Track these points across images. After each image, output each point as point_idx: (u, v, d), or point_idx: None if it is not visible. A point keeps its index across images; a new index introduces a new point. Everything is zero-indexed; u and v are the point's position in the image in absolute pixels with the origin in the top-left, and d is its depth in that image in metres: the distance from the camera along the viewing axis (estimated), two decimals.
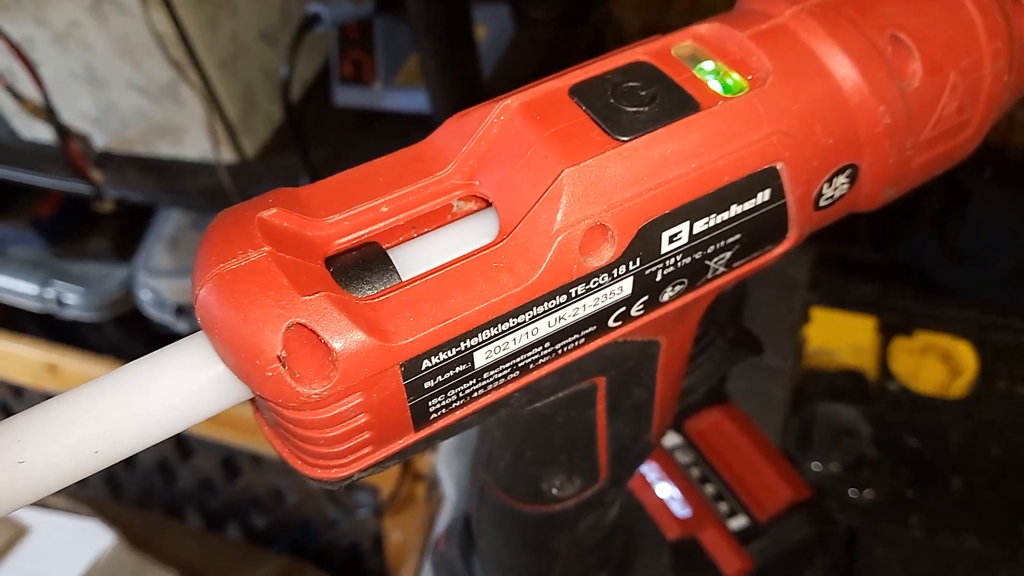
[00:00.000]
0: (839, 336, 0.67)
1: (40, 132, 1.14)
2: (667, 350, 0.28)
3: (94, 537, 1.06)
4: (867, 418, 0.63)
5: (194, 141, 1.11)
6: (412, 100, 1.11)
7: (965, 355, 0.66)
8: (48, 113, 1.01)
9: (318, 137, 1.14)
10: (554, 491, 0.31)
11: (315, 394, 0.19)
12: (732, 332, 0.34)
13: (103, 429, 0.19)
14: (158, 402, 0.19)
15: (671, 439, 0.48)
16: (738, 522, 0.45)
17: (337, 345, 0.18)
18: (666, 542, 0.44)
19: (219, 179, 1.07)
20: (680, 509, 0.45)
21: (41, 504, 1.20)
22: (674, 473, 0.46)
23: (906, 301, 0.70)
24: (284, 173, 1.09)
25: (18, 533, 1.13)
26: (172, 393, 0.20)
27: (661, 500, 0.45)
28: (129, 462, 1.24)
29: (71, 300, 1.22)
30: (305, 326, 0.18)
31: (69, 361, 1.19)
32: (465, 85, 0.95)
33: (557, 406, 0.27)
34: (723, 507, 0.46)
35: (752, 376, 0.62)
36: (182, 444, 1.19)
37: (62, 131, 1.03)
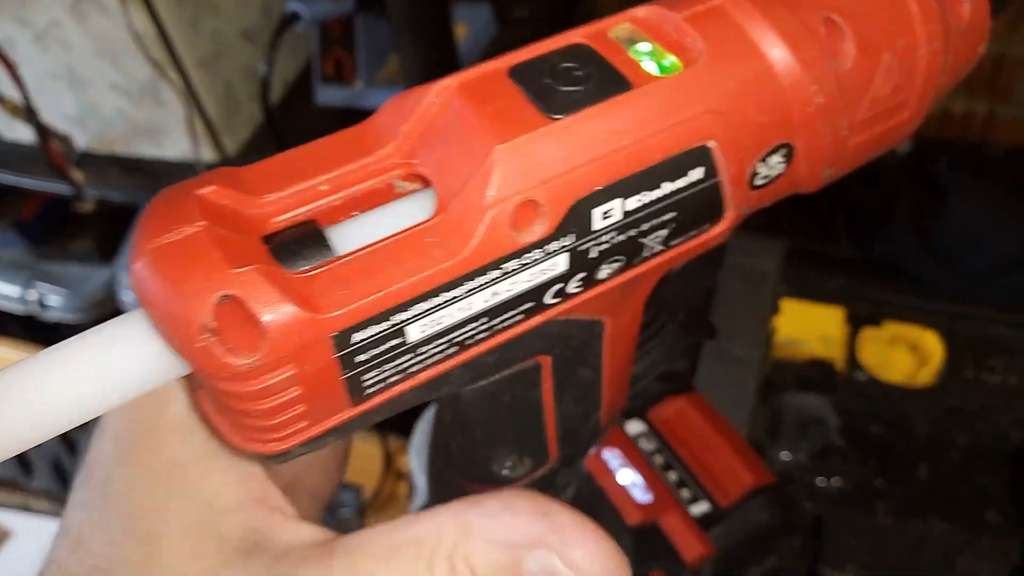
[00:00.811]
0: (808, 327, 0.68)
1: (21, 133, 1.14)
2: (612, 331, 0.29)
3: None
4: (835, 408, 0.63)
5: (175, 141, 1.11)
6: None
7: (932, 344, 0.67)
8: (29, 113, 1.01)
9: (300, 136, 1.14)
10: (505, 472, 0.31)
11: (245, 365, 0.19)
12: (683, 316, 0.35)
13: (40, 403, 0.19)
14: (95, 376, 0.20)
15: (635, 427, 0.49)
16: (700, 508, 0.46)
17: (266, 316, 0.19)
18: (626, 528, 0.44)
19: None
20: (641, 495, 0.45)
21: (23, 507, 1.20)
22: (637, 460, 0.47)
23: (874, 291, 0.71)
24: None
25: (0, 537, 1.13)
26: (109, 368, 0.20)
27: (622, 487, 0.46)
28: (73, 449, 1.23)
29: (54, 302, 1.22)
30: (236, 298, 0.19)
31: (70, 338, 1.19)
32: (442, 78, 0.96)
33: (502, 384, 0.27)
34: (685, 493, 0.46)
35: (721, 366, 0.62)
36: None
37: (43, 131, 1.03)
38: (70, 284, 1.23)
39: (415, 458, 0.64)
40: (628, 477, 0.46)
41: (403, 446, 1.04)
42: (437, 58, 0.95)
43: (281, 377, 0.20)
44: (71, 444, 1.22)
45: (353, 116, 1.10)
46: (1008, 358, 0.64)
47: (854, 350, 0.67)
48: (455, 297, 0.21)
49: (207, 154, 1.11)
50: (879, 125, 0.27)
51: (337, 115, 1.16)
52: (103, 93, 1.09)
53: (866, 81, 0.26)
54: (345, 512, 1.14)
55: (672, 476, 0.47)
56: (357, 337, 0.20)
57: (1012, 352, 0.64)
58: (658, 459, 0.48)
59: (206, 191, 0.21)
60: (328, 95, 1.15)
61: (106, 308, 1.22)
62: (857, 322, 0.69)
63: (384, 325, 0.21)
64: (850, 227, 1.14)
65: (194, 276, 0.19)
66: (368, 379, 0.22)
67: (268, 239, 0.22)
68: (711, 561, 0.45)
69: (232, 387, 0.20)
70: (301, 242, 0.21)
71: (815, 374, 0.64)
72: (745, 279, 0.68)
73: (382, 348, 0.21)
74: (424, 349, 0.22)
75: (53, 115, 1.12)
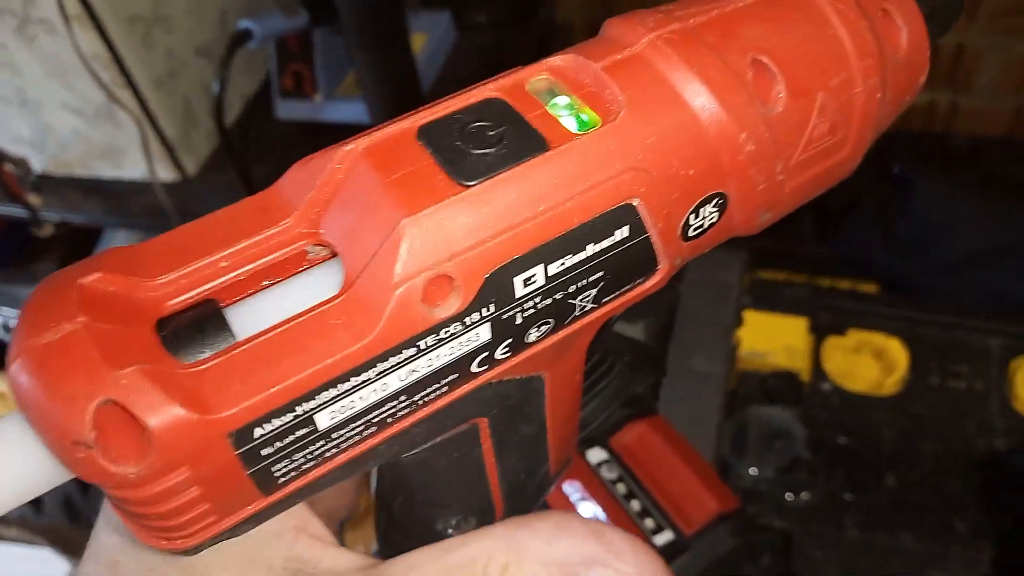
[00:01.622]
0: (772, 338, 0.67)
1: None
2: (553, 383, 0.27)
3: (50, 566, 1.04)
4: (801, 420, 0.63)
5: (133, 161, 1.09)
6: (354, 111, 1.10)
7: (897, 351, 0.66)
8: None
9: (261, 151, 1.13)
10: (450, 531, 0.30)
11: (131, 474, 0.18)
12: (628, 356, 0.34)
13: None
14: None
15: (596, 455, 0.48)
16: (664, 538, 0.45)
17: (151, 421, 0.17)
18: None
19: (158, 200, 1.05)
20: None
21: None
22: (598, 491, 0.46)
23: (838, 300, 0.70)
24: (226, 190, 1.07)
25: None
26: None
27: None
28: (85, 487, 1.21)
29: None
30: (117, 403, 0.17)
31: None
32: (403, 93, 0.94)
33: (438, 450, 0.26)
34: (649, 523, 0.45)
35: (686, 382, 0.61)
36: None
37: None
38: None
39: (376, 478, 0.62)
40: (589, 510, 0.45)
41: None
42: (394, 70, 0.93)
43: (176, 481, 0.18)
44: None
45: (313, 130, 1.09)
46: (972, 363, 0.63)
47: (819, 360, 0.67)
48: (366, 380, 0.20)
49: (165, 173, 1.09)
50: (817, 165, 0.26)
51: (297, 129, 1.15)
52: (57, 114, 1.07)
53: (800, 123, 0.25)
54: None
55: (635, 505, 0.46)
56: (258, 432, 0.19)
57: (976, 357, 0.63)
58: (620, 488, 0.47)
59: (89, 280, 0.19)
60: (288, 109, 1.14)
61: None
62: (821, 331, 0.68)
63: (288, 417, 0.19)
64: (815, 224, 1.14)
65: (71, 381, 0.17)
66: (278, 470, 0.20)
67: (163, 323, 0.20)
68: None
69: (123, 494, 0.18)
70: (197, 326, 0.20)
71: (780, 386, 0.64)
72: (707, 292, 0.67)
73: (289, 439, 0.20)
74: (338, 434, 0.21)
75: (5, 138, 1.10)
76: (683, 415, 0.51)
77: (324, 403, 0.20)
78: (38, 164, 1.15)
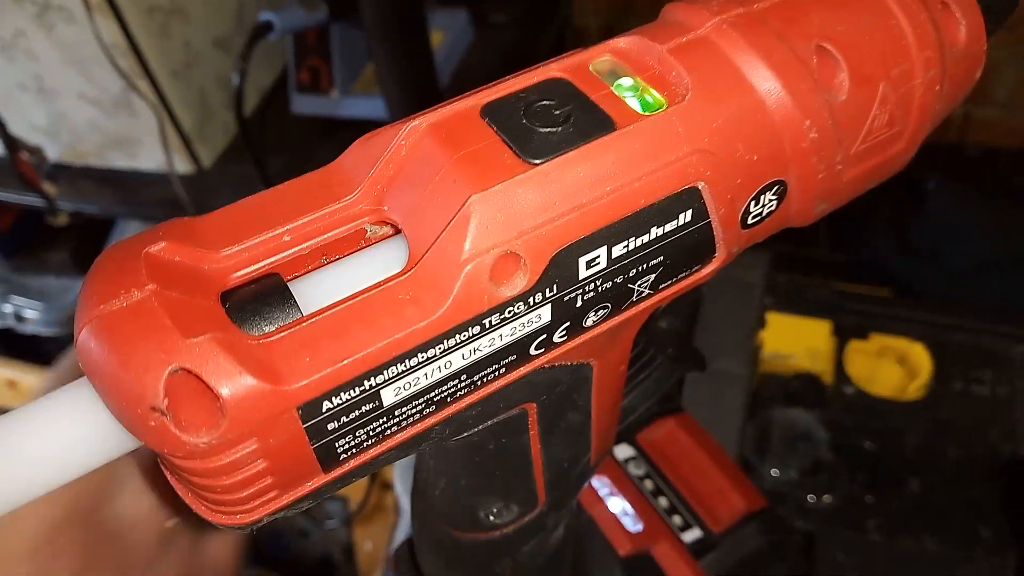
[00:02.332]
0: (795, 340, 0.67)
1: None
2: (600, 372, 0.27)
3: None
4: (824, 423, 0.62)
5: (149, 152, 1.09)
6: (370, 107, 1.10)
7: (920, 357, 0.66)
8: None
9: (276, 145, 1.12)
10: (491, 519, 0.30)
11: (203, 443, 0.17)
12: (672, 348, 0.34)
13: None
14: (38, 455, 0.18)
15: (624, 451, 0.47)
16: (692, 535, 0.44)
17: (224, 391, 0.17)
18: (618, 558, 0.43)
19: (174, 191, 1.05)
20: (632, 524, 0.44)
21: None
22: (626, 487, 0.45)
23: (861, 304, 0.70)
24: (241, 182, 1.07)
25: None
26: (53, 444, 0.18)
27: (613, 515, 0.44)
28: None
29: (30, 315, 1.19)
30: (190, 371, 0.17)
31: (29, 377, 1.17)
32: (421, 91, 0.94)
33: (487, 434, 0.26)
34: (677, 520, 0.45)
35: (708, 382, 0.61)
36: None
37: (11, 143, 1.01)
38: (46, 297, 1.21)
39: (399, 480, 0.62)
40: (618, 505, 0.44)
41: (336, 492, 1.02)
42: (413, 66, 0.93)
43: (243, 452, 0.18)
44: None
45: (329, 125, 1.09)
46: (996, 369, 0.63)
47: (842, 363, 0.67)
48: (432, 357, 0.20)
49: (182, 165, 1.09)
50: (874, 157, 0.26)
51: (313, 124, 1.14)
52: (74, 104, 1.07)
53: (861, 113, 0.24)
54: (332, 523, 1.12)
55: (663, 502, 0.46)
56: (326, 406, 0.19)
57: (1000, 363, 0.63)
58: (648, 484, 0.46)
59: (156, 248, 0.19)
60: (303, 104, 1.13)
61: None
62: (844, 334, 0.68)
63: (355, 391, 0.19)
64: (831, 231, 1.14)
65: (143, 348, 0.17)
66: (341, 446, 0.20)
67: (226, 296, 0.20)
68: None
69: (190, 464, 0.18)
70: (263, 300, 0.20)
71: (803, 388, 0.63)
72: (730, 293, 0.67)
73: (354, 414, 0.20)
74: (401, 411, 0.21)
75: (21, 127, 1.10)
76: (706, 415, 0.51)
77: (391, 379, 0.20)
78: (53, 153, 1.14)
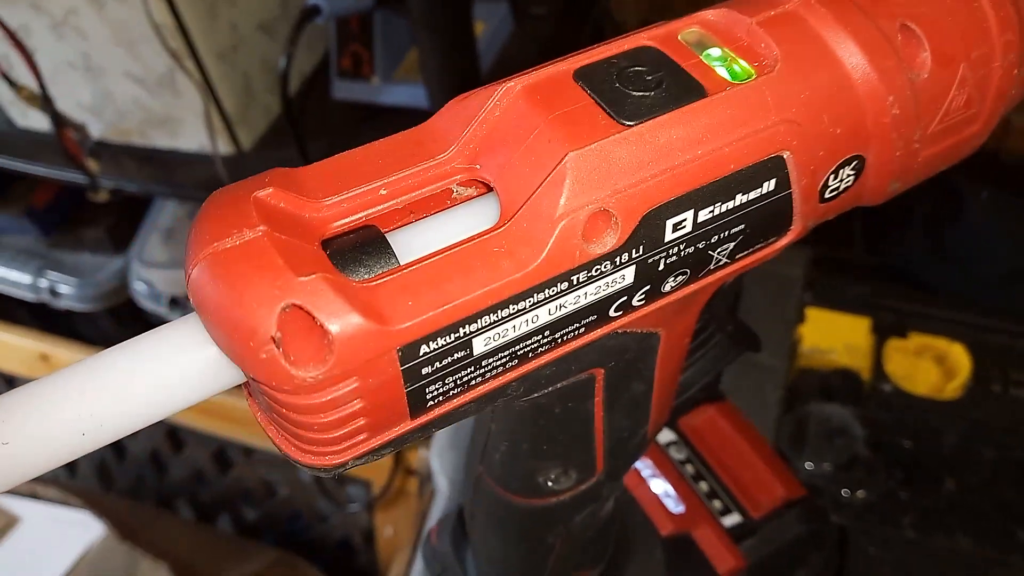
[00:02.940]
0: (833, 336, 0.67)
1: (36, 121, 1.13)
2: (666, 343, 0.28)
3: (84, 528, 1.05)
4: (860, 419, 0.62)
5: (191, 132, 1.10)
6: (410, 95, 1.11)
7: (959, 357, 0.66)
8: (44, 101, 1.00)
9: (315, 130, 1.14)
10: (550, 484, 0.30)
11: (310, 377, 0.18)
12: (731, 327, 0.34)
13: (91, 410, 0.19)
14: (148, 384, 0.19)
15: (665, 435, 0.48)
16: (732, 519, 0.45)
17: (333, 328, 0.18)
18: (659, 538, 0.43)
19: (215, 171, 1.06)
20: (674, 506, 0.45)
21: (31, 494, 1.20)
22: (668, 469, 0.46)
23: (900, 302, 0.69)
24: (281, 166, 1.08)
25: (8, 524, 1.12)
26: (163, 375, 0.19)
27: (655, 496, 0.45)
28: (120, 453, 1.23)
29: (65, 290, 1.21)
30: (301, 308, 0.18)
31: (62, 351, 1.19)
32: (463, 81, 0.95)
33: (555, 397, 0.26)
34: (717, 504, 0.45)
35: (746, 374, 0.61)
36: (174, 436, 1.18)
37: (58, 120, 1.02)
38: (82, 273, 1.22)
39: (436, 459, 0.63)
40: (660, 487, 0.45)
41: (415, 443, 1.03)
42: (456, 56, 0.94)
43: (345, 390, 0.19)
44: None
45: (370, 112, 1.09)
46: None
47: (880, 360, 0.67)
48: (522, 309, 0.21)
49: (222, 146, 1.10)
50: (950, 138, 0.26)
51: (353, 110, 1.15)
52: (119, 82, 1.08)
53: (941, 93, 0.25)
54: (354, 507, 1.14)
55: (703, 486, 0.46)
56: (424, 350, 0.19)
57: None
58: (689, 469, 0.47)
59: (264, 193, 0.20)
60: (344, 90, 1.14)
61: (118, 298, 1.22)
62: (883, 332, 0.68)
63: (451, 337, 0.20)
64: (866, 234, 1.13)
65: (258, 283, 0.18)
66: (430, 392, 0.21)
67: (326, 244, 0.21)
68: (743, 574, 0.44)
69: (294, 400, 0.19)
70: (363, 249, 0.20)
71: (841, 384, 0.64)
72: (770, 286, 0.67)
73: (447, 361, 0.20)
74: (487, 362, 0.21)
75: (68, 104, 1.11)
76: (743, 407, 0.51)
77: (483, 328, 0.20)
78: (96, 131, 1.16)
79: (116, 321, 1.30)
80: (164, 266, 1.19)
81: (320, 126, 1.15)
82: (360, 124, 1.14)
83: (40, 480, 1.26)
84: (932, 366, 0.67)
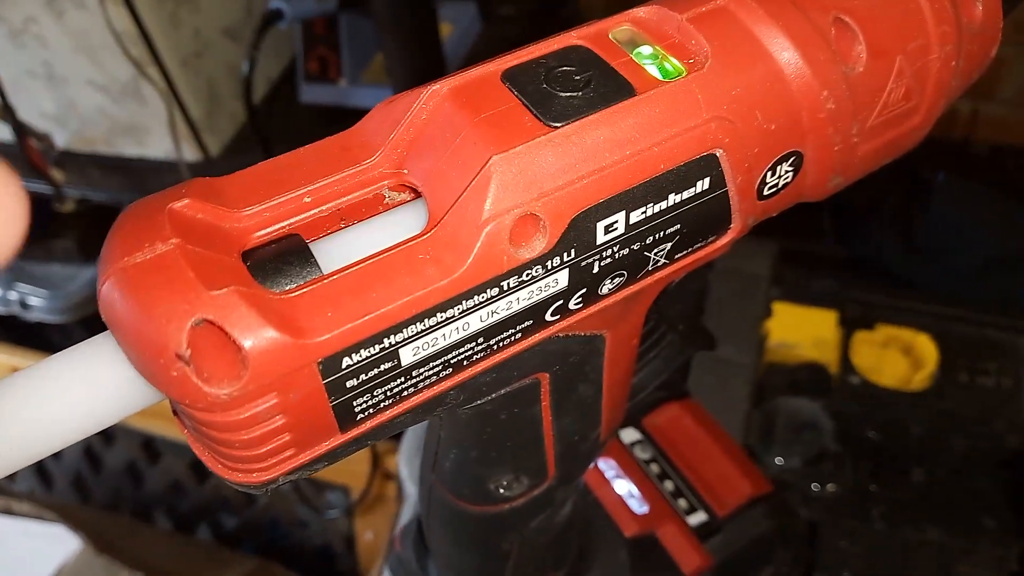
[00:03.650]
0: (800, 330, 0.67)
1: None
2: (613, 344, 0.27)
3: (60, 542, 1.04)
4: (828, 412, 0.62)
5: (157, 140, 1.09)
6: (379, 97, 1.09)
7: (926, 348, 0.66)
8: (6, 111, 0.98)
9: (283, 135, 1.13)
10: (501, 491, 0.30)
11: (224, 394, 0.18)
12: (682, 326, 0.34)
13: (3, 434, 0.18)
14: (60, 407, 0.18)
15: (629, 435, 0.47)
16: (697, 518, 0.45)
17: (246, 342, 0.17)
18: (624, 539, 0.43)
19: (182, 179, 1.05)
20: (638, 506, 0.44)
21: (5, 510, 1.18)
22: (632, 469, 0.45)
23: (867, 294, 0.70)
24: None
25: None
26: (75, 397, 0.19)
27: (619, 497, 0.44)
28: (96, 466, 1.21)
29: (35, 302, 1.19)
30: (213, 323, 0.17)
31: (32, 364, 1.17)
32: (430, 81, 0.94)
33: (499, 403, 0.26)
34: (682, 503, 0.45)
35: (714, 371, 0.61)
36: (150, 446, 1.17)
37: (20, 130, 1.01)
38: (52, 284, 1.21)
39: (404, 465, 0.62)
40: (624, 487, 0.45)
41: (392, 447, 1.02)
42: (422, 57, 0.93)
43: (264, 407, 0.18)
44: None
45: (338, 115, 1.09)
46: (1002, 361, 0.63)
47: (848, 353, 0.67)
48: (450, 317, 0.20)
49: (190, 153, 1.09)
50: (889, 131, 0.26)
51: (321, 114, 1.14)
52: (82, 91, 1.07)
53: (878, 86, 0.24)
54: (333, 513, 1.13)
55: (668, 485, 0.46)
56: (346, 362, 0.19)
57: (1006, 355, 0.63)
58: (654, 468, 0.46)
59: (179, 205, 0.19)
60: (312, 93, 1.13)
61: (89, 309, 1.20)
62: (850, 325, 0.68)
63: (376, 348, 0.19)
64: (835, 226, 1.14)
65: (167, 299, 0.17)
66: (359, 404, 0.20)
67: (247, 255, 0.20)
68: (709, 572, 0.44)
69: (211, 417, 0.18)
70: (284, 259, 0.20)
71: (808, 378, 0.64)
72: (736, 282, 0.67)
73: (373, 372, 0.20)
74: (417, 372, 0.21)
75: (31, 113, 1.10)
76: (710, 403, 0.51)
77: (410, 337, 0.20)
78: (61, 140, 1.15)
79: (88, 332, 1.27)
80: None
81: (288, 130, 1.14)
82: (328, 127, 1.13)
83: (14, 495, 1.25)
84: (899, 357, 0.67)
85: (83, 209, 1.20)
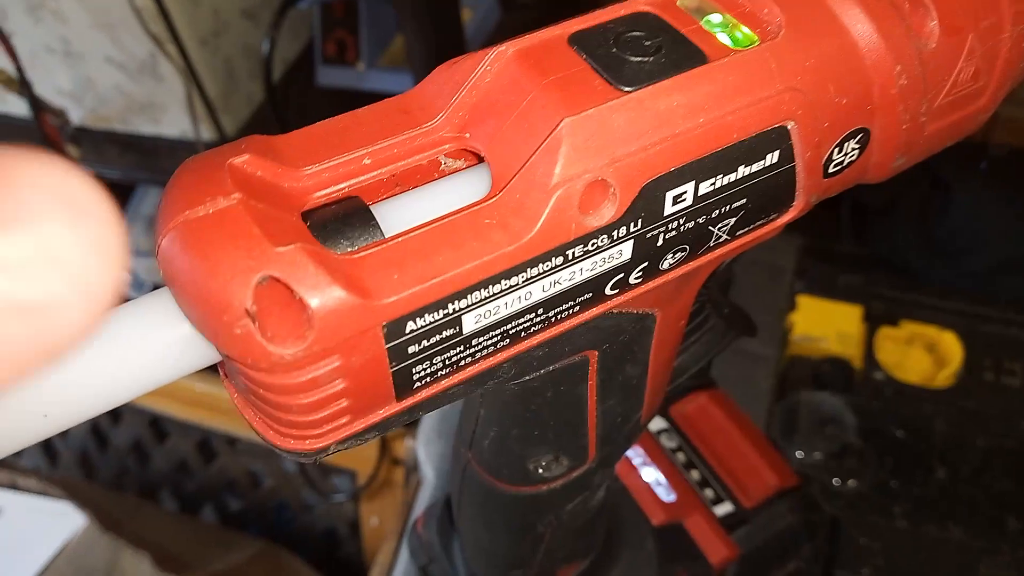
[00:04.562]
0: (825, 324, 0.66)
1: (14, 106, 1.11)
2: (662, 324, 0.27)
3: (66, 519, 1.04)
4: (852, 407, 0.62)
5: (173, 119, 1.08)
6: (396, 81, 1.09)
7: (951, 345, 0.66)
8: (22, 86, 0.98)
9: (299, 117, 1.11)
10: (540, 471, 0.29)
11: (288, 355, 0.17)
12: (727, 310, 0.33)
13: (52, 392, 0.17)
14: (115, 364, 0.18)
15: (656, 423, 0.47)
16: (724, 508, 0.44)
17: (313, 301, 0.17)
18: (651, 528, 0.42)
19: None
20: (665, 494, 0.44)
21: (11, 485, 1.18)
22: (659, 458, 0.45)
23: (892, 290, 0.69)
24: None
25: None
26: (131, 354, 0.18)
27: (646, 484, 0.44)
28: (103, 444, 1.21)
29: None
30: (279, 280, 0.17)
31: None
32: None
33: (547, 380, 0.25)
34: (709, 493, 0.44)
35: (737, 363, 0.60)
36: (157, 426, 1.17)
37: (37, 105, 1.00)
38: None
39: (422, 448, 0.62)
40: (652, 475, 0.44)
41: (402, 432, 1.02)
42: (442, 42, 0.92)
43: (326, 369, 0.18)
44: None
45: (354, 98, 1.08)
46: None
47: (872, 348, 0.66)
48: (514, 285, 0.20)
49: (205, 132, 1.08)
50: (956, 112, 0.25)
51: (338, 97, 1.14)
52: (100, 68, 1.06)
53: (949, 64, 0.24)
54: (339, 497, 1.12)
55: (695, 475, 0.45)
56: (411, 327, 0.18)
57: None
58: (680, 457, 0.46)
59: (240, 160, 0.19)
60: (329, 76, 1.13)
61: None
62: (875, 320, 0.67)
63: (440, 314, 0.19)
64: (854, 224, 1.13)
65: (232, 254, 0.17)
66: (417, 372, 0.20)
67: (306, 216, 0.20)
68: (735, 564, 0.43)
69: (271, 379, 0.18)
70: (345, 220, 0.19)
71: (832, 372, 0.63)
72: (761, 274, 0.66)
73: (435, 339, 0.19)
74: (477, 341, 0.20)
75: (47, 89, 1.09)
76: (733, 395, 0.51)
77: (474, 304, 0.19)
78: (76, 117, 1.14)
79: None
80: (147, 254, 1.17)
81: (304, 113, 1.13)
82: (344, 110, 1.13)
83: (20, 470, 1.25)
84: (923, 354, 0.66)
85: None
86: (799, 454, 0.60)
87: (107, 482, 1.22)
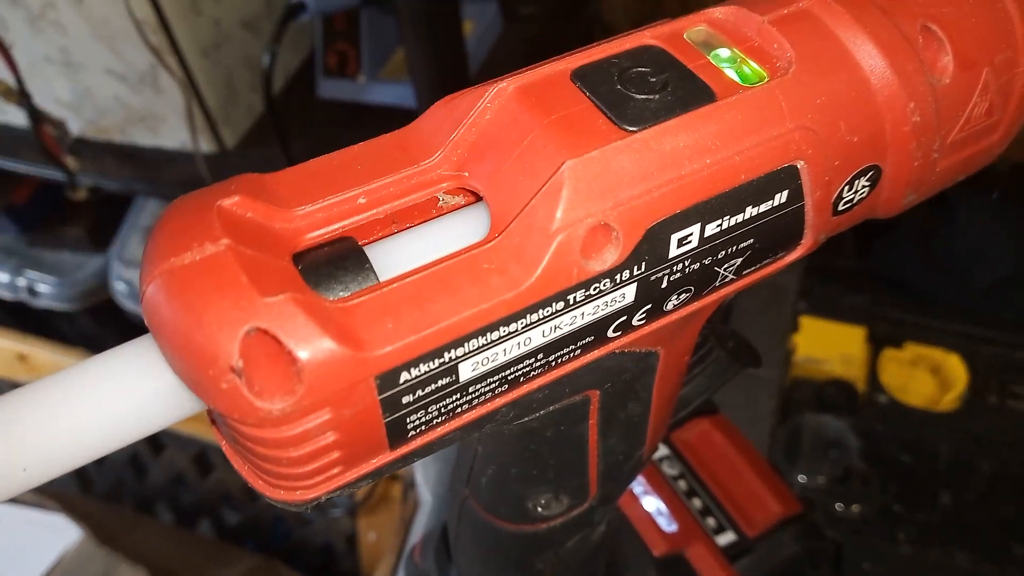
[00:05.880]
0: (828, 345, 0.65)
1: (13, 116, 1.11)
2: (665, 362, 0.26)
3: (61, 532, 1.03)
4: (855, 430, 0.61)
5: (173, 130, 1.08)
6: (397, 94, 1.09)
7: (956, 368, 0.65)
8: (22, 96, 0.97)
9: (300, 129, 1.11)
10: (539, 510, 0.29)
11: (277, 410, 0.16)
12: (731, 343, 0.32)
13: (32, 445, 0.17)
14: (99, 416, 0.17)
15: (658, 450, 0.46)
16: (726, 538, 0.43)
17: (303, 354, 0.16)
18: (652, 559, 0.42)
19: (197, 169, 1.04)
20: (667, 524, 0.43)
21: None
22: (660, 486, 0.44)
23: (896, 312, 0.68)
24: (264, 165, 1.05)
25: None
26: (114, 405, 0.17)
27: (647, 514, 0.43)
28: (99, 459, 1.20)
29: (44, 289, 1.18)
30: (267, 332, 0.16)
31: (40, 351, 1.16)
32: (451, 80, 0.93)
33: (547, 420, 0.25)
34: (711, 522, 0.44)
35: (739, 385, 0.59)
36: (154, 439, 1.16)
37: (36, 115, 1.00)
38: (61, 272, 1.20)
39: (420, 470, 0.61)
40: (653, 504, 0.43)
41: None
42: (445, 54, 0.92)
43: (316, 422, 0.17)
44: None
45: (355, 111, 1.07)
46: None
47: (876, 371, 0.65)
48: (513, 331, 0.19)
49: (205, 145, 1.08)
50: (968, 148, 0.25)
51: (338, 109, 1.13)
52: (99, 78, 1.06)
53: (963, 99, 0.23)
54: (337, 512, 1.12)
55: (697, 503, 0.45)
56: (405, 377, 0.18)
57: None
58: (682, 485, 0.45)
59: (229, 202, 0.18)
60: (330, 88, 1.12)
61: (98, 297, 1.20)
62: (878, 342, 0.66)
63: (435, 363, 0.18)
64: (857, 242, 1.13)
65: (218, 305, 0.16)
66: (411, 421, 0.19)
67: (298, 258, 0.19)
68: None
69: (259, 433, 0.17)
70: (338, 264, 0.18)
71: (836, 394, 0.62)
72: (763, 295, 0.65)
73: (431, 388, 0.18)
74: (474, 388, 0.19)
75: (46, 99, 1.09)
76: (735, 417, 0.50)
77: (471, 352, 0.18)
78: (75, 128, 1.14)
79: (96, 321, 1.27)
80: None
81: (305, 125, 1.13)
82: (345, 123, 1.12)
83: None
84: (928, 377, 0.66)
85: (95, 198, 1.19)
86: (802, 478, 0.59)
87: (103, 495, 1.21)
